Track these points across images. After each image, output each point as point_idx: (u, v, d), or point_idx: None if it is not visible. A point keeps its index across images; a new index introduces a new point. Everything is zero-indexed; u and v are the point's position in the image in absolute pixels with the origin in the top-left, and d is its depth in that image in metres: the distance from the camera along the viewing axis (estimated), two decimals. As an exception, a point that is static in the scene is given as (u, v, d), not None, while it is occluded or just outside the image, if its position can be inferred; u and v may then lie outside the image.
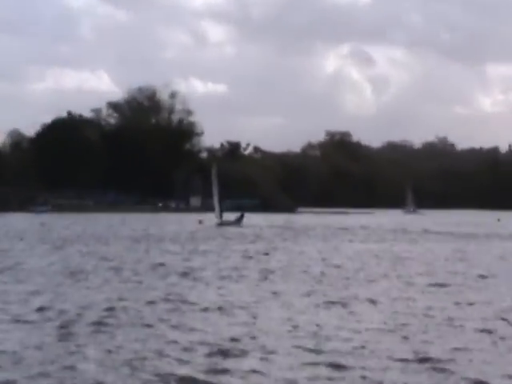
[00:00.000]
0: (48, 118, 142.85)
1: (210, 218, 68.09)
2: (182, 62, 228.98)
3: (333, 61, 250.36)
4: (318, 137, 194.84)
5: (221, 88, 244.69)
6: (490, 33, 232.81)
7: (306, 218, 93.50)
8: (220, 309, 15.98)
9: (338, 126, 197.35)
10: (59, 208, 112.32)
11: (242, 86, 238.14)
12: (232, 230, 55.69)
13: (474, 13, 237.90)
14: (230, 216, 67.03)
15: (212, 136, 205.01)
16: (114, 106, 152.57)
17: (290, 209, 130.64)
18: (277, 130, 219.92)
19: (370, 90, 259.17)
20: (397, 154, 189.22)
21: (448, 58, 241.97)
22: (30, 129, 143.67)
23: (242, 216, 67.20)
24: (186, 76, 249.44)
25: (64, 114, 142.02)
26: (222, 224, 64.31)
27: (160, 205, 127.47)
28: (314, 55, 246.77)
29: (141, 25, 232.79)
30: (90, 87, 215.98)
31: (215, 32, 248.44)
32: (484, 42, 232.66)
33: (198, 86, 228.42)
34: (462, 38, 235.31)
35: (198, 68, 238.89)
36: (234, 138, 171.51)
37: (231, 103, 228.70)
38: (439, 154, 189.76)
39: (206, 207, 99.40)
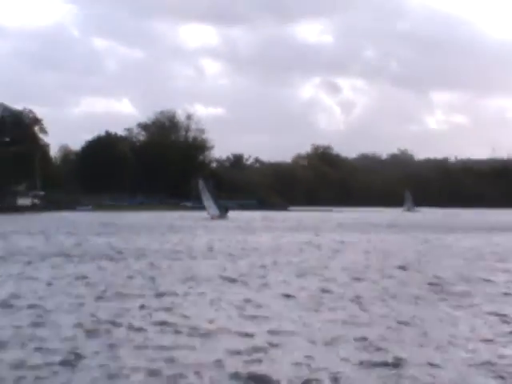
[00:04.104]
0: (89, 136, 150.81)
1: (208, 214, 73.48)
2: (188, 90, 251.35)
3: (308, 89, 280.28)
4: (305, 149, 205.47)
5: (220, 111, 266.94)
6: (433, 65, 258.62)
7: (294, 214, 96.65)
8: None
9: (313, 141, 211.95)
10: (98, 207, 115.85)
11: (237, 110, 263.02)
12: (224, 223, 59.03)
13: (421, 49, 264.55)
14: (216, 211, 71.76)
15: (219, 149, 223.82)
16: (143, 126, 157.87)
17: (282, 207, 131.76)
18: (268, 145, 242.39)
19: (339, 112, 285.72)
20: (368, 163, 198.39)
21: (398, 86, 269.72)
22: (76, 144, 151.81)
23: (226, 210, 70.87)
24: (192, 102, 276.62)
25: (102, 133, 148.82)
26: (219, 217, 68.52)
27: (181, 204, 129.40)
28: (293, 85, 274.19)
29: (153, 61, 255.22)
30: (116, 111, 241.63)
31: (212, 66, 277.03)
32: (428, 73, 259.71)
33: (202, 110, 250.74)
34: (409, 70, 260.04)
35: (201, 95, 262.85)
36: (235, 152, 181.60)
37: (229, 123, 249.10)
38: (402, 163, 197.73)
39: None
